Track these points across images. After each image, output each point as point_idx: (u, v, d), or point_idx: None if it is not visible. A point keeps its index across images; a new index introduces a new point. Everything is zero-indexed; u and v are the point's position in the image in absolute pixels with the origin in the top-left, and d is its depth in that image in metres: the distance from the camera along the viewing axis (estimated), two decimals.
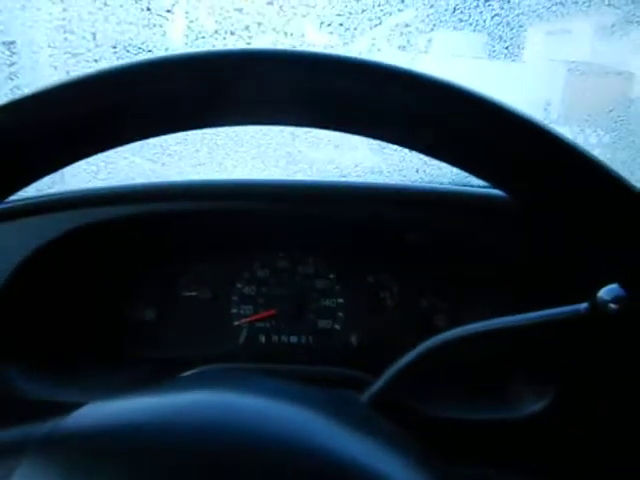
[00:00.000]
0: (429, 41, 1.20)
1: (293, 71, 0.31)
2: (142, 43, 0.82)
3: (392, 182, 0.92)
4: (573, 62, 1.52)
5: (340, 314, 0.90)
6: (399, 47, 1.09)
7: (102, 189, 0.80)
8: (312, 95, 0.32)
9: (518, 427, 0.74)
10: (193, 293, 0.90)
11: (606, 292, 0.53)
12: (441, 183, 1.00)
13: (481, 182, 1.04)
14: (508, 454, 0.74)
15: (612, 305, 0.50)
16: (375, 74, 0.32)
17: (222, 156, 1.00)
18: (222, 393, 0.35)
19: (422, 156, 1.09)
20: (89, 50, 0.81)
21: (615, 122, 1.17)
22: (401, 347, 0.78)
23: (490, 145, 0.33)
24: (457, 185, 0.96)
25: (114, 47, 0.81)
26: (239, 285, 0.90)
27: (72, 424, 0.31)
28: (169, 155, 0.95)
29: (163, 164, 0.94)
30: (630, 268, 0.35)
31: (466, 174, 1.09)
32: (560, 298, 0.69)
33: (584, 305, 0.54)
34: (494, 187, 0.37)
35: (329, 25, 0.93)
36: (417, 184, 0.91)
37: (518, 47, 1.08)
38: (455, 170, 1.14)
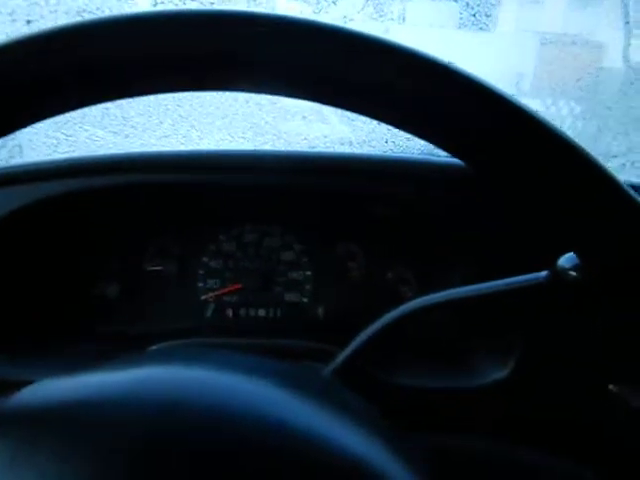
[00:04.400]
0: (402, 11, 1.19)
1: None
2: (97, 9, 0.79)
3: (359, 153, 0.91)
4: (545, 33, 1.52)
5: (307, 287, 0.90)
6: (371, 17, 1.08)
7: (61, 161, 0.78)
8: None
9: (480, 395, 0.75)
10: (158, 267, 0.89)
11: (566, 260, 0.53)
12: (410, 154, 0.99)
13: (450, 155, 1.04)
14: (470, 421, 0.75)
15: (571, 273, 0.50)
16: (342, 41, 0.30)
17: (187, 128, 0.97)
18: (178, 368, 0.34)
19: (391, 128, 1.09)
20: (43, 17, 0.78)
21: (585, 92, 1.17)
22: (368, 318, 0.78)
23: (448, 114, 0.32)
24: (426, 155, 0.96)
25: (67, 13, 0.78)
26: (205, 259, 0.89)
27: (19, 401, 0.30)
28: (132, 127, 0.92)
29: (126, 136, 0.92)
30: (585, 236, 0.35)
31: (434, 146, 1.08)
32: (524, 267, 0.70)
33: (544, 273, 0.54)
34: (453, 156, 0.37)
35: None
36: (384, 154, 0.90)
37: (490, 18, 1.07)
38: (424, 141, 1.14)
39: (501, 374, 0.74)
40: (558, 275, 0.52)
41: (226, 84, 0.33)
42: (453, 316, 0.81)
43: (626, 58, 1.51)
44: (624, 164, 1.11)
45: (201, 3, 0.84)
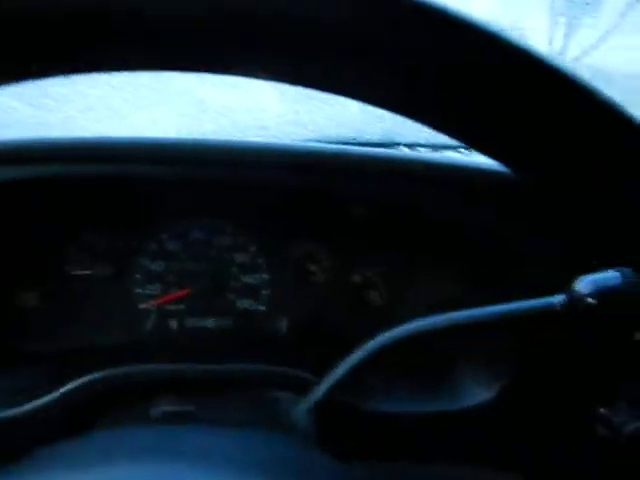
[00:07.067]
0: None
1: None
2: None
3: (319, 145, 0.80)
4: None
5: (264, 292, 0.80)
6: None
7: None
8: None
9: (464, 419, 0.70)
10: (87, 271, 0.75)
11: (584, 285, 0.49)
12: (368, 140, 0.92)
13: (409, 140, 0.95)
14: (454, 446, 0.70)
15: (590, 300, 0.47)
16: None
17: (117, 101, 0.85)
18: None
19: (349, 111, 0.99)
20: None
21: None
22: (333, 327, 0.75)
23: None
24: (386, 143, 0.89)
25: None
26: (143, 260, 0.77)
27: None
28: (54, 99, 0.79)
29: (47, 109, 0.77)
30: None
31: (394, 130, 0.98)
32: (503, 275, 0.66)
33: (559, 298, 0.50)
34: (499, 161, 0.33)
35: None
36: (347, 148, 0.80)
37: None
38: (383, 125, 1.05)
39: (486, 396, 0.69)
40: (575, 301, 0.48)
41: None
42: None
43: (550, 45, 1.52)
44: None
45: None
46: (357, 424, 0.65)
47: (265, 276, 0.80)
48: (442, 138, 1.02)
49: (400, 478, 0.69)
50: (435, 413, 0.69)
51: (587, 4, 1.49)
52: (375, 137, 0.93)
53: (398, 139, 0.93)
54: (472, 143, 0.32)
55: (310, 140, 0.87)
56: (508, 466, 0.71)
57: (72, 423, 0.59)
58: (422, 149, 0.89)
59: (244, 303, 0.79)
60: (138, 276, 0.76)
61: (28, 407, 0.60)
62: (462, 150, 0.88)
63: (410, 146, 0.91)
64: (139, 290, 0.77)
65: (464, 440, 0.70)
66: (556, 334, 0.64)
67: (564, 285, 0.52)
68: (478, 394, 0.70)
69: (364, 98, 0.31)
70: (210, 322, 0.78)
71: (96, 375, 0.61)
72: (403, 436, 0.68)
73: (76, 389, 0.60)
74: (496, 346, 0.70)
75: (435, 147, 0.90)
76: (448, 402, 0.70)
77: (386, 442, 0.68)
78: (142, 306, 0.77)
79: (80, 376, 0.62)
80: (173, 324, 0.77)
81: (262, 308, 0.79)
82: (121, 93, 0.83)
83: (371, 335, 0.57)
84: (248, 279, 0.79)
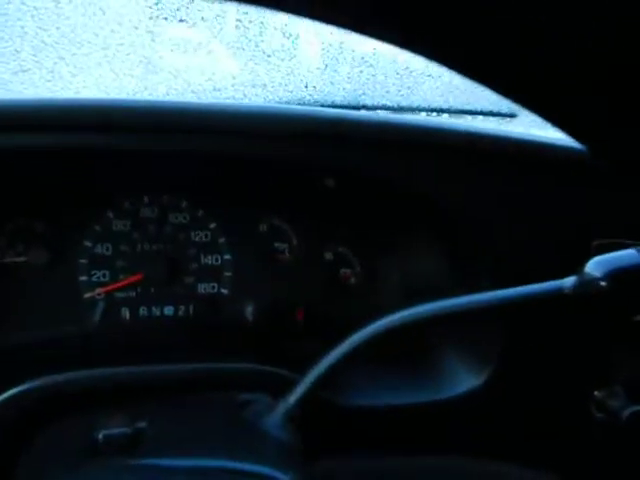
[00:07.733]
0: None
1: None
2: None
3: (284, 106, 0.72)
4: None
5: (226, 274, 0.73)
6: None
7: None
8: None
9: (451, 408, 0.65)
10: (21, 258, 0.66)
11: (596, 266, 0.47)
12: (333, 102, 0.86)
13: (374, 102, 0.88)
14: (442, 437, 0.66)
15: (602, 282, 0.46)
16: None
17: (54, 60, 0.75)
18: None
19: (312, 70, 0.91)
20: None
21: None
22: (305, 311, 0.71)
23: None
24: (350, 105, 0.85)
25: None
26: (88, 243, 0.68)
27: None
28: None
29: None
30: None
31: (359, 92, 0.90)
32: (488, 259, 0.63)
33: (570, 281, 0.48)
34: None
35: None
36: (312, 110, 0.72)
37: None
38: (348, 86, 0.97)
39: (475, 382, 0.65)
40: (585, 285, 0.47)
41: None
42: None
43: None
44: None
45: None
46: (340, 421, 0.59)
47: (227, 256, 0.72)
48: (409, 100, 0.95)
49: (392, 473, 0.65)
50: (422, 404, 0.64)
51: None
52: (339, 99, 0.86)
53: (363, 101, 0.86)
54: (548, 114, 0.29)
55: (269, 102, 0.79)
56: (503, 454, 0.67)
57: (7, 441, 0.51)
58: (387, 112, 0.83)
59: (205, 287, 0.72)
60: (82, 261, 0.68)
61: None
62: (433, 113, 0.82)
63: (375, 109, 0.84)
64: (83, 277, 0.68)
65: (455, 430, 0.65)
66: (560, 317, 0.59)
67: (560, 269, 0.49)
68: (466, 381, 0.65)
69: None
70: (167, 309, 0.71)
71: (34, 384, 0.53)
72: (392, 430, 0.63)
73: (9, 400, 0.52)
74: (484, 330, 0.64)
75: (401, 110, 0.83)
76: (432, 392, 0.65)
77: (373, 438, 0.62)
78: (87, 295, 0.68)
79: (15, 382, 0.53)
80: (125, 314, 0.69)
81: (225, 292, 0.72)
82: (56, 51, 0.72)
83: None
84: (208, 260, 0.72)
